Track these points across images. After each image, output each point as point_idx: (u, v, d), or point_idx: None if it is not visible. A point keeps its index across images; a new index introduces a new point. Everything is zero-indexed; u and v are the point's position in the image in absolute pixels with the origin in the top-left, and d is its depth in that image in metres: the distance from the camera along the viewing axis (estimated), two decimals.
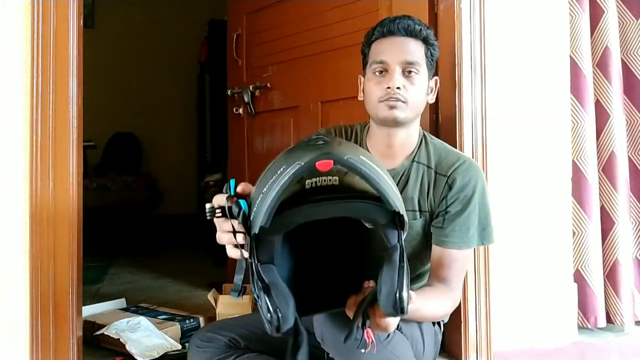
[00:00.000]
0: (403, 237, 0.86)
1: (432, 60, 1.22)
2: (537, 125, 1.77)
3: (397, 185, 1.21)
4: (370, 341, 0.88)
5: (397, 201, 0.84)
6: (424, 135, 1.29)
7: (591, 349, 1.75)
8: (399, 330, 1.12)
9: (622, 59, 1.99)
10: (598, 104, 1.93)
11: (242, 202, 0.84)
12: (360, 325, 0.87)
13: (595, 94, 1.93)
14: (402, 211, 0.84)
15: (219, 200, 0.87)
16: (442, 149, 1.27)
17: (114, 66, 4.09)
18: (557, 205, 1.81)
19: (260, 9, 2.31)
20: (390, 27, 1.19)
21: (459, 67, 1.57)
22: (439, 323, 1.30)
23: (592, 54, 1.93)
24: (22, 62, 1.33)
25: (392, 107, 1.16)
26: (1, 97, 1.33)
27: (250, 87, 2.30)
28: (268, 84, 2.25)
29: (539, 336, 1.74)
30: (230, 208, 0.84)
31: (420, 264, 1.29)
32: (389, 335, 1.04)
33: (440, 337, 1.30)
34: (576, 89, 1.86)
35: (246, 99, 2.31)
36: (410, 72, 1.17)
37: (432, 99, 1.27)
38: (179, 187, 4.28)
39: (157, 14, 4.33)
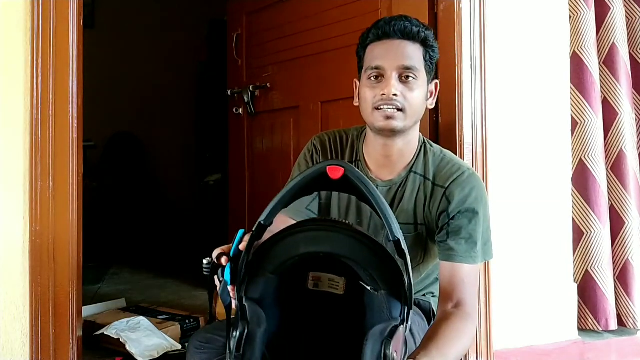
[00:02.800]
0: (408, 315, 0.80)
1: (431, 63, 1.14)
2: (537, 126, 1.77)
3: (394, 197, 1.17)
4: None
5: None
6: (424, 142, 1.21)
7: (591, 349, 1.75)
8: None
9: (630, 55, 1.98)
10: (605, 102, 1.91)
11: (227, 270, 0.82)
12: None
13: (602, 92, 1.91)
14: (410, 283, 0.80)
15: (215, 254, 0.86)
16: (442, 158, 1.19)
17: (114, 66, 4.08)
18: (558, 206, 1.81)
19: (260, 9, 2.31)
20: (386, 30, 1.10)
21: (459, 67, 1.57)
22: (433, 319, 1.26)
23: (599, 52, 1.92)
24: (22, 62, 1.33)
25: (388, 118, 1.09)
26: (1, 97, 1.33)
27: (250, 87, 2.30)
28: (268, 84, 2.25)
29: (539, 336, 1.73)
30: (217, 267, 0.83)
31: (416, 275, 1.23)
32: None
33: None
34: (583, 87, 1.84)
35: (246, 99, 2.31)
36: (407, 77, 1.09)
37: (431, 103, 1.19)
38: (179, 187, 4.28)
39: (157, 14, 4.33)
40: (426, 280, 1.28)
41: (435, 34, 1.65)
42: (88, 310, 1.92)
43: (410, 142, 1.17)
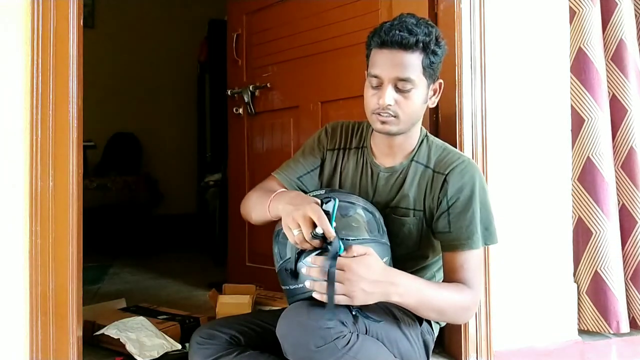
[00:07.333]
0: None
1: (432, 67, 1.17)
2: (536, 125, 1.77)
3: (394, 182, 1.27)
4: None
5: None
6: (426, 135, 1.30)
7: (591, 349, 1.75)
8: (368, 334, 1.10)
9: None
10: (614, 99, 1.89)
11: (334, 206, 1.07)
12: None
13: (610, 89, 1.89)
14: None
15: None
16: (443, 149, 1.28)
17: (114, 66, 4.08)
18: (558, 205, 1.81)
19: (260, 9, 2.31)
20: (385, 39, 1.14)
21: (459, 67, 1.57)
22: (429, 321, 1.27)
23: (606, 48, 1.90)
24: (22, 62, 1.33)
25: (383, 123, 1.18)
26: (1, 98, 1.33)
27: (250, 87, 2.30)
28: (268, 84, 2.25)
29: (539, 336, 1.74)
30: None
31: (415, 263, 1.29)
32: (349, 342, 1.02)
33: (430, 336, 1.28)
34: (589, 84, 1.81)
35: (246, 99, 2.31)
36: (403, 87, 1.15)
37: (433, 102, 1.25)
38: (179, 187, 4.28)
39: (157, 14, 4.33)
40: (423, 275, 1.28)
41: None
42: (88, 310, 1.91)
43: (410, 136, 1.26)
